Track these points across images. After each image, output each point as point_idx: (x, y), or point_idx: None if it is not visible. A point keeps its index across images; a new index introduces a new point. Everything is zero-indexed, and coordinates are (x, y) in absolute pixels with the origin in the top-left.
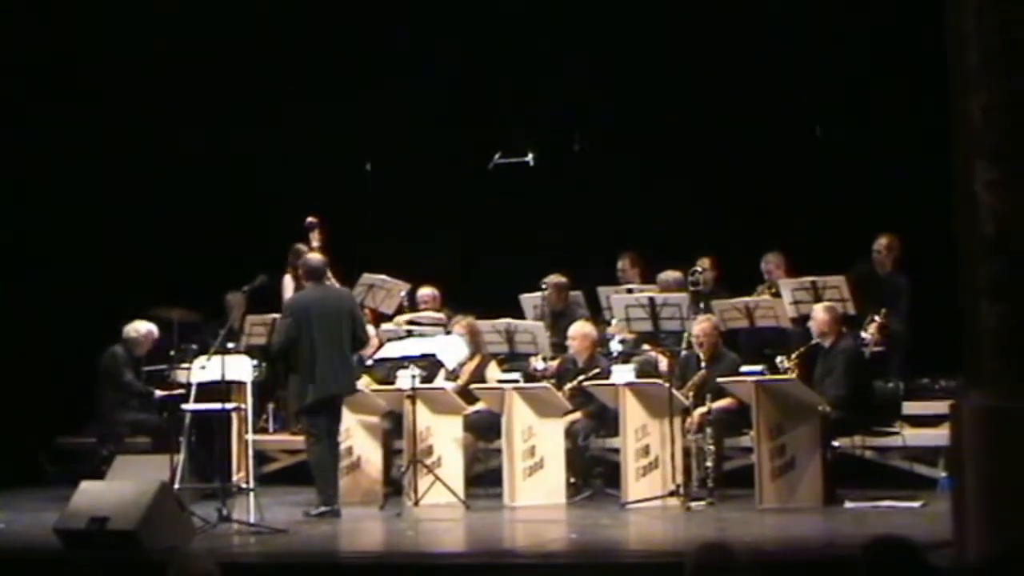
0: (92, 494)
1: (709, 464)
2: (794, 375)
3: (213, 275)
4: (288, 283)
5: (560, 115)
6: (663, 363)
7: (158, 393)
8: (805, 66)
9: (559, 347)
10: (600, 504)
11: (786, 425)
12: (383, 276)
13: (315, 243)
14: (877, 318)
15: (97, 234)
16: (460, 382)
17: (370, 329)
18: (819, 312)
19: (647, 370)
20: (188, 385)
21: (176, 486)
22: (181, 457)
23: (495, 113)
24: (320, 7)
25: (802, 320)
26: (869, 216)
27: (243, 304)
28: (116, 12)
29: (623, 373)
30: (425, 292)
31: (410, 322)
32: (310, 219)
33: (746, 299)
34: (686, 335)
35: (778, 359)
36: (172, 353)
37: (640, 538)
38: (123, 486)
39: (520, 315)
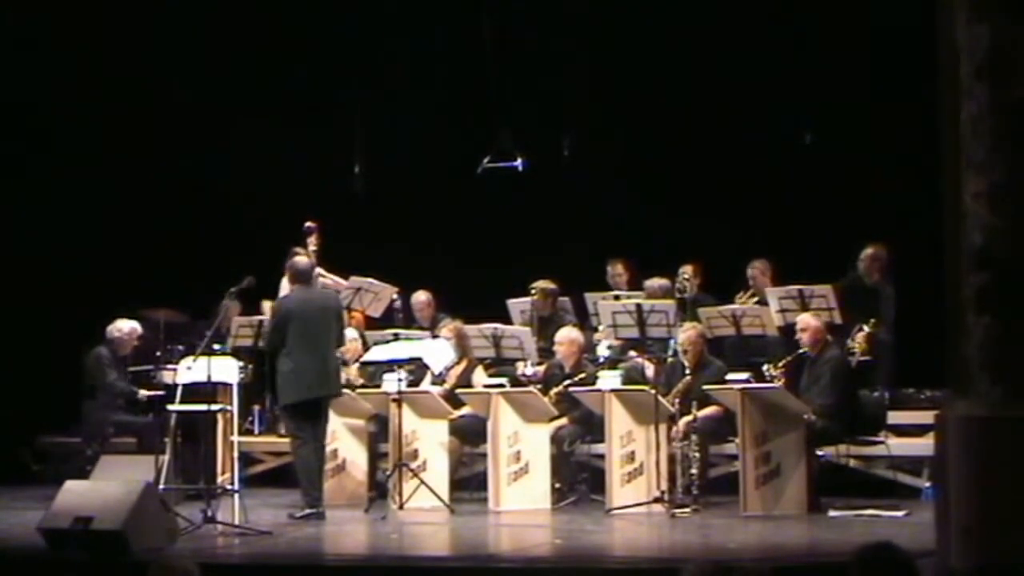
0: (76, 493)
1: (694, 471)
2: (780, 383)
3: (201, 276)
4: (285, 285)
5: (549, 120)
6: (649, 370)
7: (142, 393)
8: (795, 73)
9: (546, 352)
10: (585, 510)
11: (771, 433)
12: (371, 279)
13: (312, 247)
14: (865, 328)
15: (84, 233)
16: (446, 386)
17: (354, 333)
18: (812, 321)
19: (633, 377)
20: (174, 386)
21: (161, 487)
22: (166, 458)
23: (485, 118)
24: (314, 11)
25: (788, 328)
26: (858, 225)
27: (237, 307)
28: (114, 14)
29: (609, 379)
30: (420, 298)
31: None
32: (309, 224)
33: (732, 307)
34: (673, 342)
35: (765, 367)
36: (158, 354)
37: (624, 544)
38: (108, 486)
39: (507, 320)
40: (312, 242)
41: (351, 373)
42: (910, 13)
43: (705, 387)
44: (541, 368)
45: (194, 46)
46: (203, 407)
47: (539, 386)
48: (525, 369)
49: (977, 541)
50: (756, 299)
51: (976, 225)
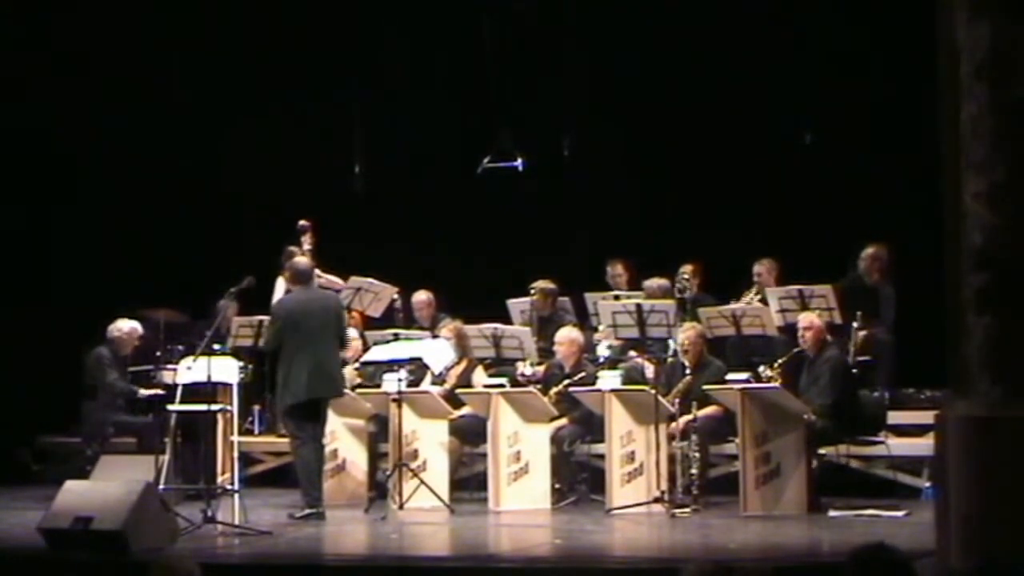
0: (76, 493)
1: (694, 471)
2: (777, 383)
3: (201, 276)
4: (280, 285)
5: (549, 120)
6: (649, 370)
7: (142, 392)
8: (795, 73)
9: (546, 352)
10: (585, 510)
11: (771, 433)
12: (371, 279)
13: (306, 246)
14: (855, 324)
15: (84, 233)
16: (446, 386)
17: (354, 332)
18: (816, 320)
19: (633, 376)
20: (174, 386)
21: (161, 487)
22: (166, 458)
23: (485, 118)
24: (314, 11)
25: (789, 328)
26: (858, 225)
27: (235, 308)
28: (114, 14)
29: (609, 379)
30: (420, 298)
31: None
32: (302, 222)
33: (733, 307)
34: (673, 342)
35: (761, 368)
36: (158, 354)
37: (624, 544)
38: (108, 486)
39: (507, 320)
40: (307, 241)
41: (349, 374)
42: (910, 13)
43: (705, 387)
44: (541, 368)
45: (194, 46)
46: (203, 407)
47: (539, 386)
48: (524, 369)
49: (977, 541)
50: (760, 297)
51: (976, 225)
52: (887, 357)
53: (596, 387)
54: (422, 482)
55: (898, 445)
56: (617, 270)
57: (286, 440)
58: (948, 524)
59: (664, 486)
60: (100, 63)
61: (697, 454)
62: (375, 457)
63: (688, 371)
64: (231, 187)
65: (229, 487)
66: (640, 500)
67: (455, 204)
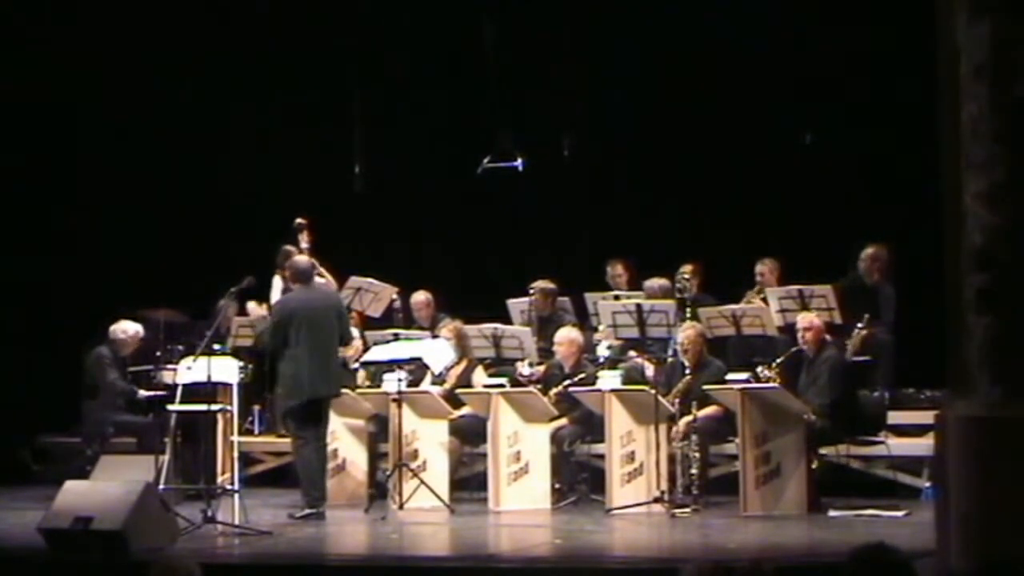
0: (76, 494)
1: (694, 471)
2: (775, 383)
3: (201, 276)
4: (277, 284)
5: (549, 120)
6: (649, 370)
7: (142, 392)
8: (796, 73)
9: (546, 352)
10: (585, 510)
11: (771, 433)
12: (371, 279)
13: (304, 244)
14: (860, 325)
15: (84, 233)
16: (446, 386)
17: (354, 332)
18: (816, 320)
19: (633, 376)
20: (174, 386)
21: (161, 487)
22: (166, 458)
23: (485, 118)
24: (314, 10)
25: (789, 328)
26: (858, 225)
27: (235, 308)
28: (115, 13)
29: (609, 379)
30: (419, 298)
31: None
32: (299, 220)
33: (733, 307)
34: (673, 342)
35: (759, 369)
36: (158, 354)
37: (624, 544)
38: (108, 486)
39: (507, 320)
40: (304, 238)
41: (358, 377)
42: (910, 13)
43: (705, 387)
44: (541, 368)
45: (195, 46)
46: (203, 407)
47: (539, 386)
48: (525, 369)
49: (977, 541)
50: (763, 297)
51: (976, 225)
52: (887, 357)
53: (596, 387)
54: (422, 482)
55: (898, 445)
56: (617, 270)
57: (286, 440)
58: (948, 524)
59: (664, 486)
60: (100, 62)
61: (697, 454)
62: (375, 457)
63: (688, 371)
64: (231, 187)
65: (229, 487)
66: (640, 500)
67: (455, 204)
